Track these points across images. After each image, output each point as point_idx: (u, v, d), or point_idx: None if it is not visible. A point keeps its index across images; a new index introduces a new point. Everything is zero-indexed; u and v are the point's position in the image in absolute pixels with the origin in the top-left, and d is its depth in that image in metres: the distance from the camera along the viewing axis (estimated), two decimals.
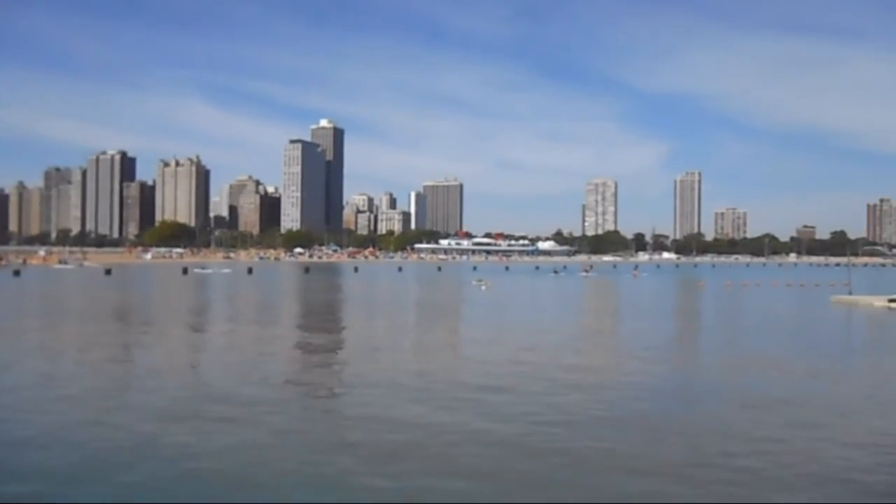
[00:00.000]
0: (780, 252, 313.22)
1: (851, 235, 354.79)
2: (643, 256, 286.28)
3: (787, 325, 39.55)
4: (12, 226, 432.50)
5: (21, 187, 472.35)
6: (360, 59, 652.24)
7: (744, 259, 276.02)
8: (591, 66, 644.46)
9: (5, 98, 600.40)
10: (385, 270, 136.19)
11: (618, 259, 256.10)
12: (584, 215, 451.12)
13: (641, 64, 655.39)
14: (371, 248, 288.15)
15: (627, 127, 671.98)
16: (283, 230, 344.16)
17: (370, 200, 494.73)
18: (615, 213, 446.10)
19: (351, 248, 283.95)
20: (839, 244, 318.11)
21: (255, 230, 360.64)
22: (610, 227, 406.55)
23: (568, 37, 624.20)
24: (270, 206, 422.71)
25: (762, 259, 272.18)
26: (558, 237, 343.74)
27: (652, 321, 41.31)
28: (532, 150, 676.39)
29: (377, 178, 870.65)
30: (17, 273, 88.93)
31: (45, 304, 50.80)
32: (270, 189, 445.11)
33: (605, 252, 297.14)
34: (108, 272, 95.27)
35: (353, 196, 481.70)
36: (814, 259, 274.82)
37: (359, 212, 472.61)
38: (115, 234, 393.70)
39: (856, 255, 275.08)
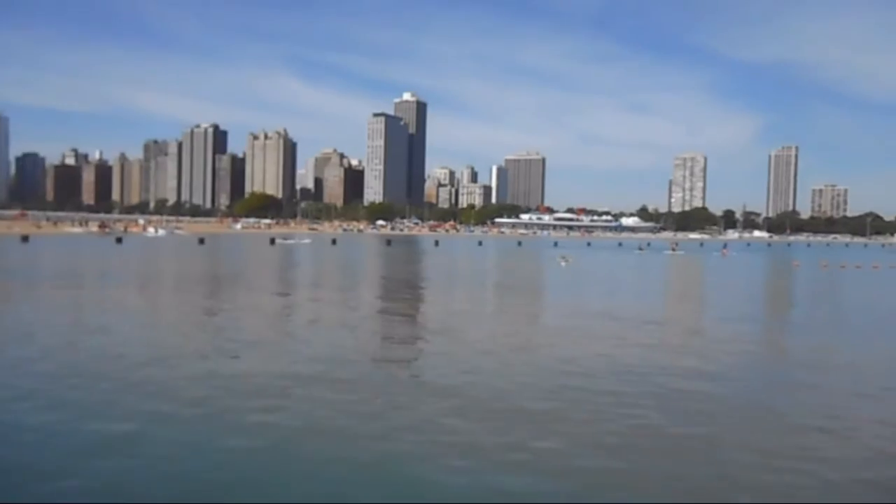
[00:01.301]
0: (883, 232, 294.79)
1: None
2: (732, 234, 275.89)
3: (889, 312, 37.48)
4: (115, 195, 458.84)
5: (123, 159, 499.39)
6: (443, 32, 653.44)
7: (843, 239, 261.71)
8: (679, 35, 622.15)
9: (108, 73, 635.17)
10: (465, 244, 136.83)
11: (705, 237, 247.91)
12: (670, 191, 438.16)
13: (735, 32, 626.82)
14: (452, 222, 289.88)
15: (719, 99, 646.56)
16: (365, 202, 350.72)
17: (451, 174, 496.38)
18: (703, 189, 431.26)
19: (432, 222, 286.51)
20: None
21: (339, 202, 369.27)
22: (698, 203, 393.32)
23: (655, 5, 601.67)
24: (354, 179, 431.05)
25: (864, 239, 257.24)
26: (643, 213, 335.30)
27: (743, 305, 40.02)
28: (617, 123, 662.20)
29: (459, 151, 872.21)
30: (119, 240, 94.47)
31: (159, 269, 53.92)
32: (354, 162, 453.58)
33: (691, 229, 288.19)
34: (201, 241, 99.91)
35: (434, 169, 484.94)
36: None
37: (440, 185, 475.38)
38: (208, 205, 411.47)
39: None
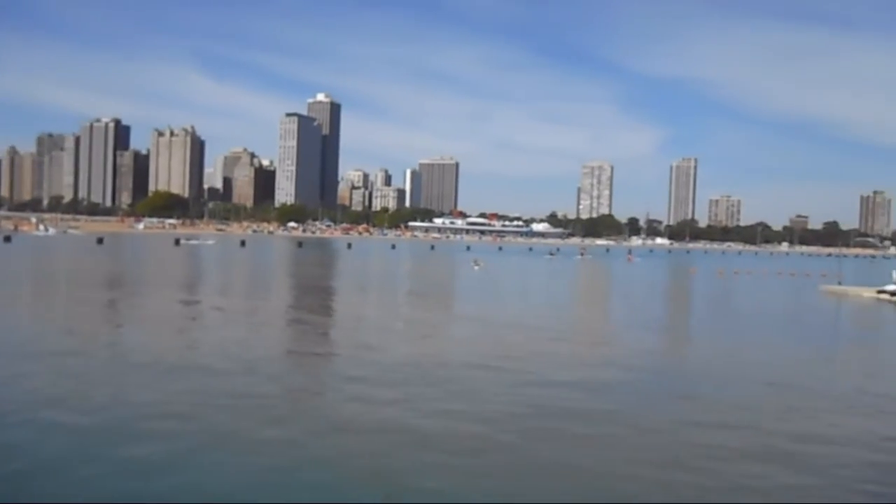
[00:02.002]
0: (772, 241, 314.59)
1: (844, 226, 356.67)
2: (636, 241, 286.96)
3: (776, 314, 39.86)
4: (3, 191, 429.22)
5: (13, 152, 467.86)
6: (359, 34, 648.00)
7: (736, 247, 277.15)
8: (590, 48, 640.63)
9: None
10: (378, 247, 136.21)
11: (611, 243, 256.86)
12: (579, 198, 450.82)
13: (641, 48, 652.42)
14: (365, 225, 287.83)
15: (625, 110, 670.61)
16: (277, 204, 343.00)
17: (365, 177, 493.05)
18: (610, 196, 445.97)
19: (345, 224, 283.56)
20: (831, 235, 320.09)
21: (249, 203, 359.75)
22: (604, 210, 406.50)
23: (567, 17, 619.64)
24: (265, 180, 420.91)
25: (754, 247, 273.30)
26: (552, 219, 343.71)
27: (646, 308, 41.62)
28: (529, 131, 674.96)
29: (373, 154, 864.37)
30: (7, 239, 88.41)
31: (49, 271, 50.68)
32: (265, 162, 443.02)
33: (598, 235, 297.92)
34: (99, 241, 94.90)
35: (348, 172, 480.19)
36: (806, 249, 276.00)
37: (354, 188, 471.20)
38: (108, 203, 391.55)
39: (847, 245, 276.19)
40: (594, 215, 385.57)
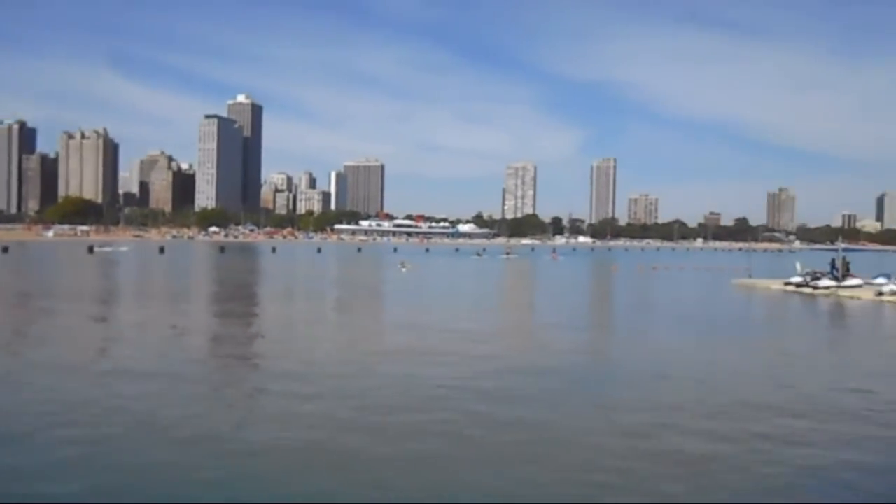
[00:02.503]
0: (688, 237, 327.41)
1: (753, 222, 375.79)
2: (560, 240, 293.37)
3: (692, 307, 41.51)
4: None
5: None
6: (281, 35, 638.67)
7: (654, 243, 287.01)
8: (511, 51, 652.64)
9: None
10: (304, 251, 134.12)
11: (536, 242, 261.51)
12: (503, 198, 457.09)
13: (561, 50, 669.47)
14: (290, 228, 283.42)
15: (547, 112, 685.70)
16: (197, 208, 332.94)
17: (289, 179, 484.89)
18: (534, 196, 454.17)
19: (269, 228, 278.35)
20: (742, 230, 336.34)
21: (168, 208, 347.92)
22: (529, 210, 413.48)
23: (489, 20, 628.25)
24: (184, 184, 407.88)
25: (672, 244, 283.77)
26: (478, 220, 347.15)
27: (571, 304, 42.58)
28: (453, 132, 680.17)
29: (297, 156, 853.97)
30: None
31: None
32: (184, 165, 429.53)
33: (523, 235, 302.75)
34: (4, 250, 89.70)
35: (271, 175, 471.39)
36: (719, 244, 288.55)
37: (277, 191, 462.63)
38: (13, 210, 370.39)
39: (756, 240, 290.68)
40: (519, 215, 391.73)
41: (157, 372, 17.55)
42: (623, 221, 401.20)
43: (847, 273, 50.72)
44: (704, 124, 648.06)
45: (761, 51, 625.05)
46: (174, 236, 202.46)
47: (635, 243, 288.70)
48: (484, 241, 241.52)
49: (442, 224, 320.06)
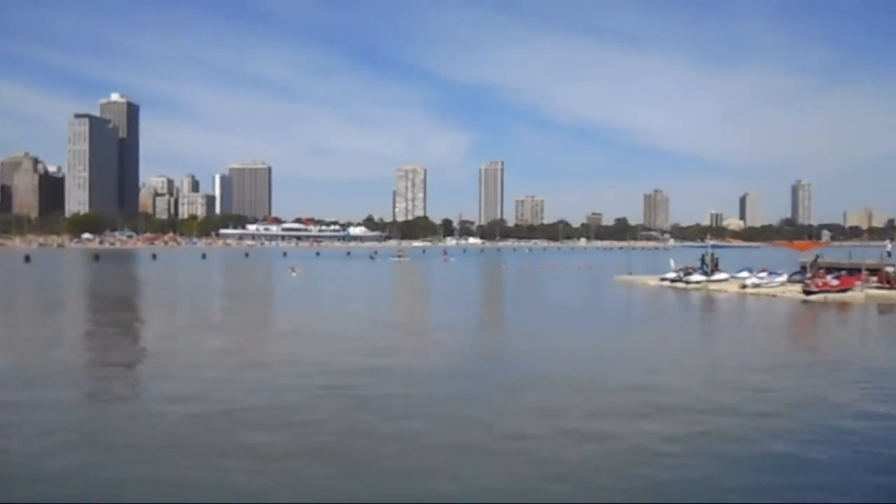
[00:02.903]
0: (572, 237, 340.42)
1: (632, 222, 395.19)
2: (451, 241, 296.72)
3: (579, 302, 43.21)
4: None
5: None
6: (158, 32, 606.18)
7: (541, 243, 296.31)
8: (400, 54, 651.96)
9: None
10: (187, 258, 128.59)
11: (427, 244, 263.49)
12: (394, 201, 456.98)
13: (448, 54, 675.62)
14: (172, 234, 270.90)
15: (435, 115, 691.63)
16: (67, 214, 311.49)
17: (170, 183, 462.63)
18: (424, 199, 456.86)
19: (148, 234, 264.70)
20: (622, 230, 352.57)
21: (34, 214, 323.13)
22: (419, 213, 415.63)
23: (379, 23, 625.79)
24: (52, 188, 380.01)
25: (557, 244, 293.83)
26: (369, 223, 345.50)
27: (462, 302, 43.18)
28: (343, 135, 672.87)
29: (178, 159, 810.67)
30: None
31: None
32: (52, 168, 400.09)
33: (415, 237, 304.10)
34: None
35: (150, 178, 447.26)
36: (601, 243, 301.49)
37: (157, 195, 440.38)
38: None
39: (635, 239, 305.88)
40: (410, 218, 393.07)
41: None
42: (511, 222, 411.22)
43: (715, 268, 54.49)
44: (587, 128, 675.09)
45: (639, 59, 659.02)
46: (41, 244, 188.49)
47: (523, 244, 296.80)
48: (375, 244, 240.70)
49: (332, 227, 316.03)
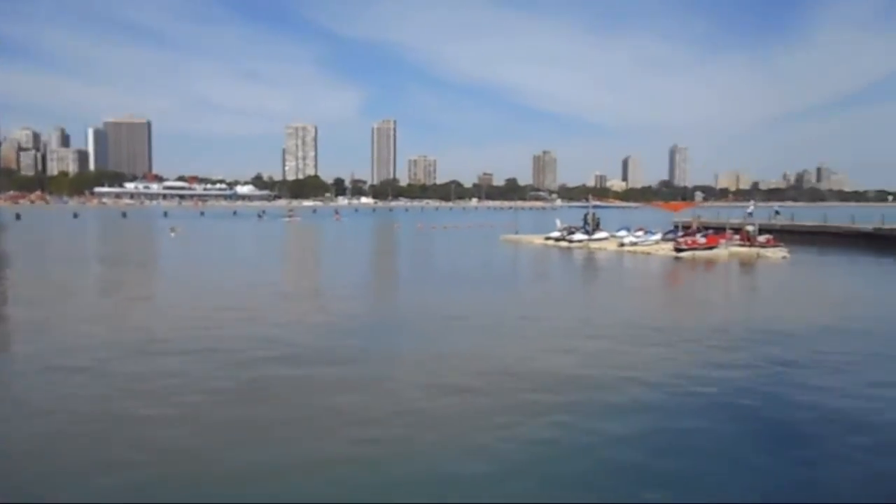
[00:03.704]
0: (464, 197, 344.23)
1: (521, 182, 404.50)
2: (343, 201, 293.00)
3: (466, 261, 43.94)
4: None
5: None
6: None
7: (433, 203, 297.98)
8: (289, 8, 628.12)
9: None
10: (56, 218, 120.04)
11: (318, 204, 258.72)
12: (284, 159, 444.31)
13: (339, 9, 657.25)
14: (39, 192, 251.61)
15: (326, 72, 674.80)
16: None
17: (36, 136, 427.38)
18: (315, 157, 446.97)
19: (12, 192, 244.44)
20: (511, 190, 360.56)
21: None
22: (311, 171, 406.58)
23: None
24: None
25: (449, 203, 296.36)
26: (258, 181, 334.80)
27: (352, 264, 42.87)
28: (229, 89, 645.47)
29: (45, 111, 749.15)
30: None
31: None
32: None
33: (306, 197, 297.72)
34: None
35: (13, 131, 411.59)
36: (491, 203, 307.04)
37: (21, 149, 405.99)
38: None
39: (524, 199, 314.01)
40: (300, 177, 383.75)
41: None
42: (404, 182, 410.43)
43: (597, 227, 56.87)
44: (479, 89, 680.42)
45: (531, 22, 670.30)
46: None
47: (415, 203, 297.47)
48: (265, 204, 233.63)
49: (218, 186, 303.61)
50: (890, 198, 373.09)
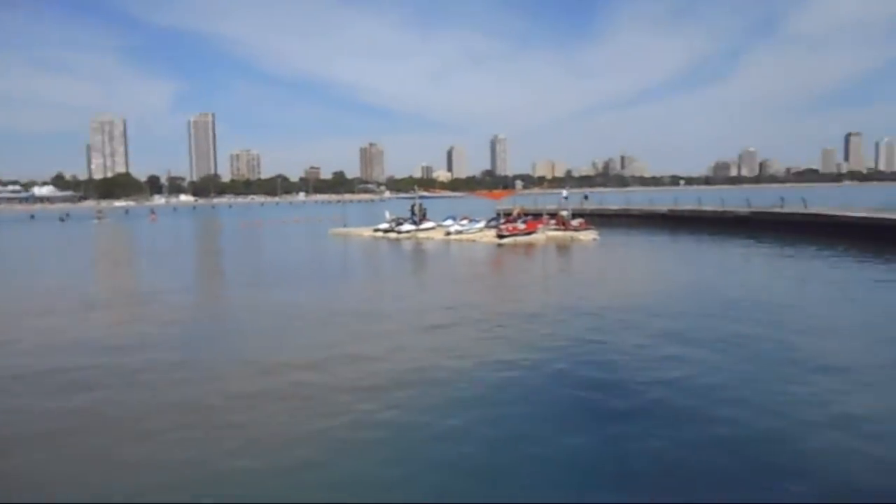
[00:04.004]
0: (291, 191, 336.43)
1: (349, 175, 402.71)
2: (159, 200, 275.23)
3: (293, 256, 43.05)
4: None
5: None
6: None
7: (259, 199, 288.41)
8: None
9: None
10: None
11: (131, 204, 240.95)
12: (89, 157, 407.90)
13: None
14: None
15: (135, 62, 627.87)
16: None
17: None
18: (126, 154, 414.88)
19: None
20: (339, 183, 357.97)
21: None
22: (121, 169, 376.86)
23: None
24: None
25: (276, 198, 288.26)
26: (59, 181, 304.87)
27: (169, 265, 40.38)
28: (21, 80, 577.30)
29: None
30: None
31: None
32: None
33: (116, 197, 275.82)
34: None
35: None
36: (320, 197, 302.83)
37: None
38: None
39: (353, 192, 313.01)
40: (109, 175, 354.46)
41: None
42: (226, 178, 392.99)
43: (423, 218, 58.06)
44: (303, 82, 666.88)
45: (355, 16, 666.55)
46: None
47: (239, 200, 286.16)
48: (68, 206, 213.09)
49: (11, 188, 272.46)
50: (682, 182, 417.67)
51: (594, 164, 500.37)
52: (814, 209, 49.67)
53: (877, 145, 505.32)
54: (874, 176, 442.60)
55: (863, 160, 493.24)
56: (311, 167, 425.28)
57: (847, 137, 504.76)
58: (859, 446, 9.59)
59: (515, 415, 11.13)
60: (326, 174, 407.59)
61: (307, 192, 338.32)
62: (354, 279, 31.54)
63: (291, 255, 45.48)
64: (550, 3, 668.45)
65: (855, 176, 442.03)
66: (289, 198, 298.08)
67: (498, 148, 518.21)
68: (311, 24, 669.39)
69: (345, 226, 64.20)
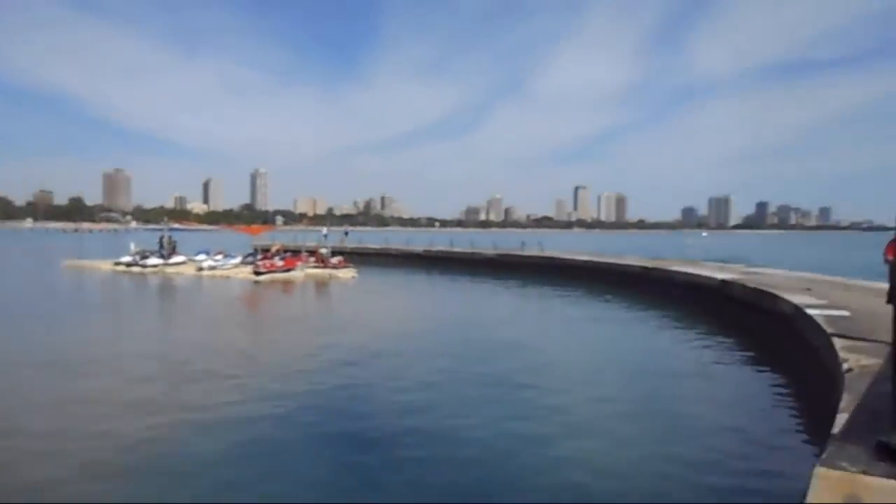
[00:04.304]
0: (15, 217, 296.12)
1: (89, 202, 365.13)
2: None
3: (19, 292, 37.70)
4: None
5: None
6: None
7: None
8: None
9: None
10: None
11: None
12: None
13: None
14: None
15: None
16: None
17: None
18: None
19: None
20: (77, 210, 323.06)
21: None
22: None
23: None
24: None
25: None
26: None
27: None
28: None
29: None
30: None
31: None
32: None
33: None
34: None
35: None
36: (52, 224, 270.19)
37: None
38: None
39: (94, 220, 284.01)
40: None
41: None
42: None
43: (173, 251, 54.48)
44: (36, 95, 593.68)
45: (102, 31, 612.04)
46: None
47: None
48: None
49: None
50: (437, 223, 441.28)
51: (356, 204, 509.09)
52: (548, 252, 55.45)
53: (598, 198, 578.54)
54: (597, 224, 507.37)
55: (588, 210, 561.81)
56: (42, 190, 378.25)
57: (576, 190, 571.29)
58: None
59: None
60: (61, 199, 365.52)
61: (36, 218, 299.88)
62: (70, 319, 28.17)
63: (10, 291, 39.79)
64: (316, 40, 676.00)
65: (582, 224, 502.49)
66: (13, 224, 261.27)
67: (258, 182, 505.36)
68: (46, 31, 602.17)
69: (79, 258, 57.90)
